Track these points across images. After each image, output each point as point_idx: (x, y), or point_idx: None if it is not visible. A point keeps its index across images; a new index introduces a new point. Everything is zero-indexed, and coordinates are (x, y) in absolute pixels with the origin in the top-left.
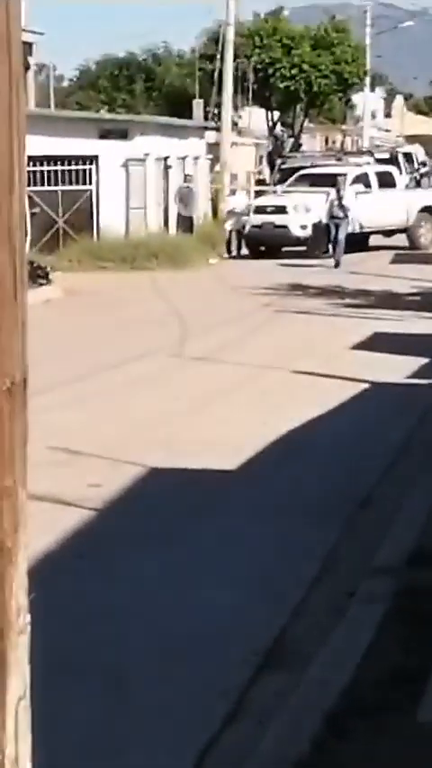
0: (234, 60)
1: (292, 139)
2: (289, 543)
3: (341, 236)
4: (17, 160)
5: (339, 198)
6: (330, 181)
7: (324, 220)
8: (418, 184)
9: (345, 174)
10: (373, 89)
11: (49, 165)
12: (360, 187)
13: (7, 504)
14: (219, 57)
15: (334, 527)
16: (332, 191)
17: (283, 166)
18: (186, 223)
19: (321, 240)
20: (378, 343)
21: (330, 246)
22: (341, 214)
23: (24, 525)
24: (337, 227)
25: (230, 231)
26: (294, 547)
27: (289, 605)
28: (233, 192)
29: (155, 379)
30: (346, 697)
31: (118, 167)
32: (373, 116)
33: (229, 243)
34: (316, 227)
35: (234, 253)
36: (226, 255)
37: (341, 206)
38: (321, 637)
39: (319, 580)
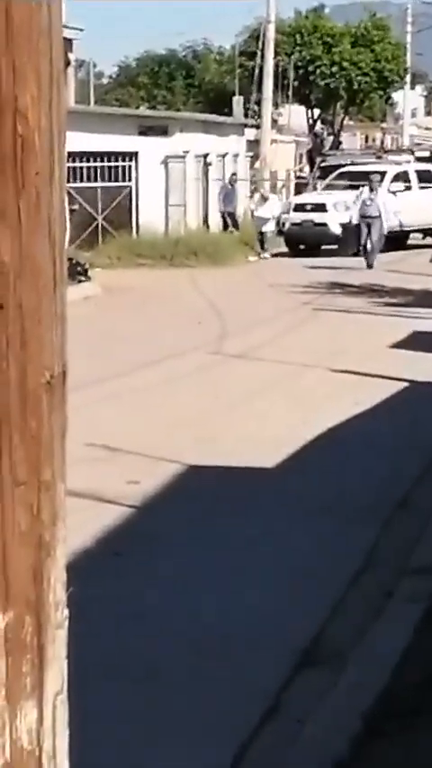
0: (274, 57)
1: (331, 137)
2: (327, 542)
3: (375, 237)
4: (57, 154)
5: (371, 196)
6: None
7: (354, 220)
8: None
9: (377, 172)
10: (413, 87)
11: (88, 161)
12: (400, 185)
13: (46, 498)
14: (259, 54)
15: (373, 526)
16: (364, 188)
17: (323, 164)
18: (232, 219)
19: (352, 240)
20: (417, 341)
21: (362, 247)
22: (374, 213)
23: (63, 519)
24: (369, 226)
25: (260, 232)
26: (333, 546)
27: (327, 604)
28: (264, 199)
29: (194, 377)
30: (384, 697)
31: (157, 164)
32: (414, 114)
33: (262, 243)
34: (346, 226)
35: (266, 255)
36: (265, 256)
37: (374, 205)
38: (359, 636)
39: (358, 579)
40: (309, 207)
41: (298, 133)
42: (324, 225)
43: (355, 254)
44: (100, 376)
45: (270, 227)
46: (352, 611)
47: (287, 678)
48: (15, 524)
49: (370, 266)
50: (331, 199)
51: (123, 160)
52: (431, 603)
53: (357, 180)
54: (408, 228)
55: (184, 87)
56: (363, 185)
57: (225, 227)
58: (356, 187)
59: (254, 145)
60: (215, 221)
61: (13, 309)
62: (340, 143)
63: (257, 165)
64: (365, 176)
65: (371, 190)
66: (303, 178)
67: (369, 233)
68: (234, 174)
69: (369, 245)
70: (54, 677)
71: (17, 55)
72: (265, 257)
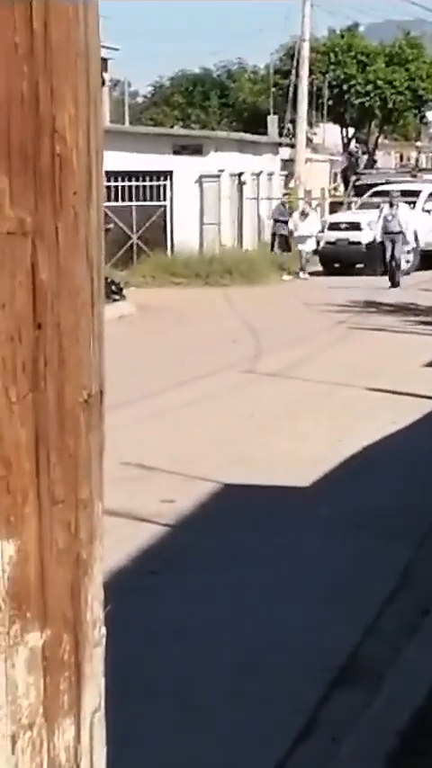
0: (309, 76)
1: (366, 156)
2: (363, 560)
3: (398, 254)
4: (95, 173)
5: (392, 212)
6: (405, 197)
7: (378, 238)
8: None
9: (397, 190)
10: None
11: (123, 180)
12: None
13: (84, 516)
14: (294, 73)
15: (409, 544)
16: (385, 205)
17: (358, 183)
18: (282, 241)
19: (376, 259)
20: None
21: (389, 265)
22: (396, 229)
23: (100, 537)
24: (393, 243)
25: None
26: (368, 564)
27: (362, 623)
28: (304, 215)
29: (229, 395)
30: (420, 715)
31: (192, 183)
32: None
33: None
34: (370, 245)
35: (305, 275)
36: (304, 276)
37: (395, 221)
38: (395, 654)
39: (394, 597)
40: (343, 226)
41: (332, 152)
42: (359, 243)
43: (384, 273)
44: (135, 395)
45: (309, 247)
46: (387, 629)
47: (323, 696)
48: (53, 542)
49: (396, 284)
50: (366, 218)
51: (158, 179)
52: None
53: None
54: None
55: (218, 106)
56: (385, 201)
57: (272, 247)
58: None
59: (288, 164)
60: (249, 240)
61: (51, 329)
62: (375, 162)
63: (292, 183)
64: (400, 195)
65: (391, 205)
66: (338, 197)
67: (393, 250)
68: (287, 193)
69: (394, 263)
70: (91, 695)
71: (55, 75)
72: (305, 278)
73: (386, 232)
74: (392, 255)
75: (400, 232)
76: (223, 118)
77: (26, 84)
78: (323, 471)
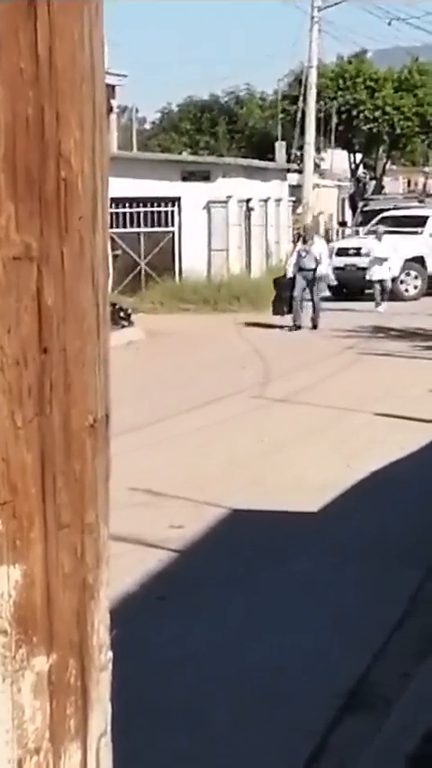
0: (317, 102)
1: (374, 181)
2: (372, 586)
3: (316, 293)
4: (100, 198)
5: (306, 248)
6: (413, 222)
7: (290, 273)
8: None
9: (317, 223)
10: None
11: (131, 206)
12: None
13: (89, 540)
14: (302, 99)
15: (418, 570)
16: (300, 239)
17: (366, 209)
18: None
19: (284, 297)
20: None
21: (315, 303)
22: (311, 265)
23: (107, 562)
24: (307, 280)
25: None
26: (377, 589)
27: (372, 648)
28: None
29: (238, 421)
30: (428, 740)
31: (200, 209)
32: None
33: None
34: (279, 281)
35: (381, 308)
36: (379, 310)
37: (310, 256)
38: (404, 680)
39: (403, 623)
40: (351, 251)
41: (340, 178)
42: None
43: (288, 313)
44: (143, 420)
45: (385, 274)
46: (397, 655)
47: (331, 721)
48: (59, 567)
49: (297, 327)
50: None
51: (166, 205)
52: None
53: (400, 224)
54: None
55: (226, 133)
56: (408, 228)
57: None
58: (399, 232)
59: (296, 189)
60: (257, 266)
61: (57, 353)
62: (383, 187)
63: (300, 209)
64: (408, 220)
65: (305, 241)
66: (345, 224)
67: (308, 288)
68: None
69: (312, 302)
70: (98, 719)
71: (60, 100)
72: (383, 311)
73: (300, 268)
74: (302, 293)
75: (315, 269)
76: (232, 144)
77: (31, 110)
78: (332, 497)
